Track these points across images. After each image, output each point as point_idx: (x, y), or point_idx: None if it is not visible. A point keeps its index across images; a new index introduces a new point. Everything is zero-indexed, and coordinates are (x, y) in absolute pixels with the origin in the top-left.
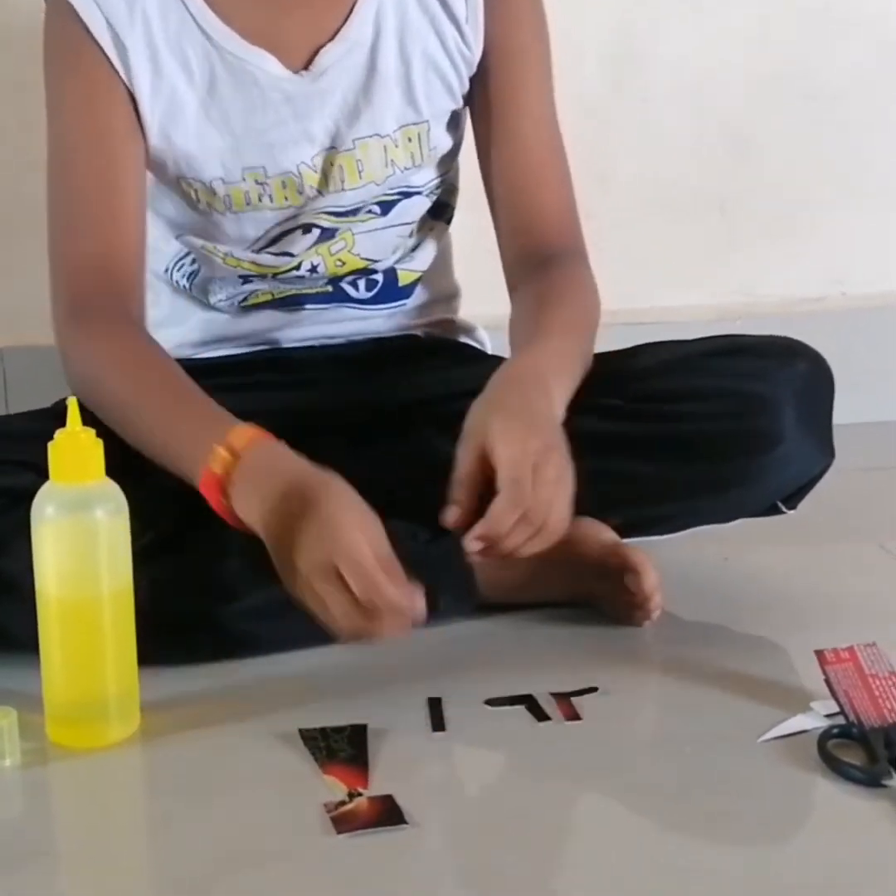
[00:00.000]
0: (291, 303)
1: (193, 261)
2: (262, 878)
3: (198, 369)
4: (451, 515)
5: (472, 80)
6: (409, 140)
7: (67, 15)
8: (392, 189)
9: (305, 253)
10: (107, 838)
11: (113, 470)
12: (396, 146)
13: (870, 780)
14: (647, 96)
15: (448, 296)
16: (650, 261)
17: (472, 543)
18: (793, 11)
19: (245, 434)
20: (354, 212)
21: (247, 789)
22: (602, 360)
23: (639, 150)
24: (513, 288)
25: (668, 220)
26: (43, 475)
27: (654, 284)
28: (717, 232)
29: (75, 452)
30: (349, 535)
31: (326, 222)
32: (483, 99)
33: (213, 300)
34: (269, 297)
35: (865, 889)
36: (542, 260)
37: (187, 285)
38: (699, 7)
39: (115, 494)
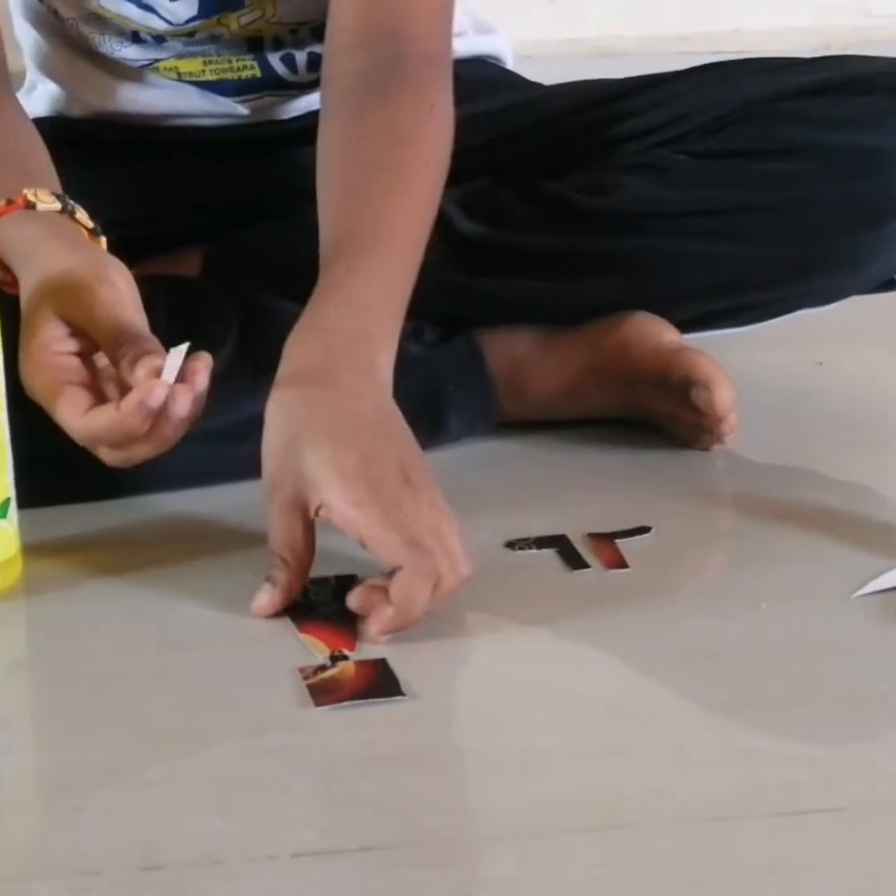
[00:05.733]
0: (211, 88)
1: None
2: (219, 757)
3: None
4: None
5: None
6: None
7: None
8: None
9: (196, 24)
10: (42, 703)
11: None
12: None
13: None
14: None
15: None
16: None
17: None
18: None
19: None
20: None
21: (202, 648)
22: (660, 87)
23: None
24: (331, 79)
25: None
26: None
27: (741, 0)
28: None
29: None
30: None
31: None
32: None
33: (113, 52)
34: (174, 75)
35: None
36: (380, 55)
37: (56, 21)
38: None
39: None
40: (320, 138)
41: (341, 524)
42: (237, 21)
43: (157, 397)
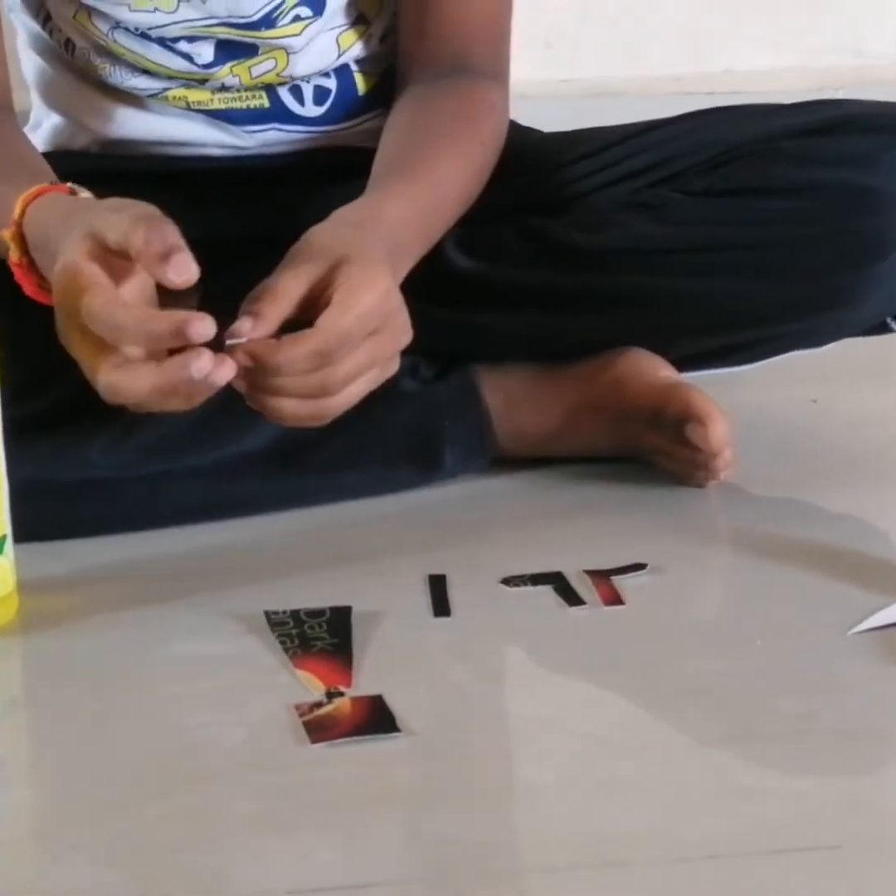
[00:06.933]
0: (218, 116)
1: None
2: (216, 794)
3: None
4: (244, 327)
5: None
6: None
7: None
8: None
9: (212, 71)
10: (38, 739)
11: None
12: None
13: None
14: None
15: None
16: (729, 8)
17: (240, 355)
18: None
19: (20, 207)
20: (268, 23)
21: (198, 684)
22: (656, 130)
23: None
24: (404, 85)
25: None
26: None
27: (734, 41)
28: None
29: None
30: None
31: (226, 34)
32: None
33: (123, 82)
34: (183, 104)
35: None
36: (451, 71)
37: (65, 53)
38: None
39: None
40: (387, 122)
41: (358, 300)
42: (249, 72)
43: (201, 368)
